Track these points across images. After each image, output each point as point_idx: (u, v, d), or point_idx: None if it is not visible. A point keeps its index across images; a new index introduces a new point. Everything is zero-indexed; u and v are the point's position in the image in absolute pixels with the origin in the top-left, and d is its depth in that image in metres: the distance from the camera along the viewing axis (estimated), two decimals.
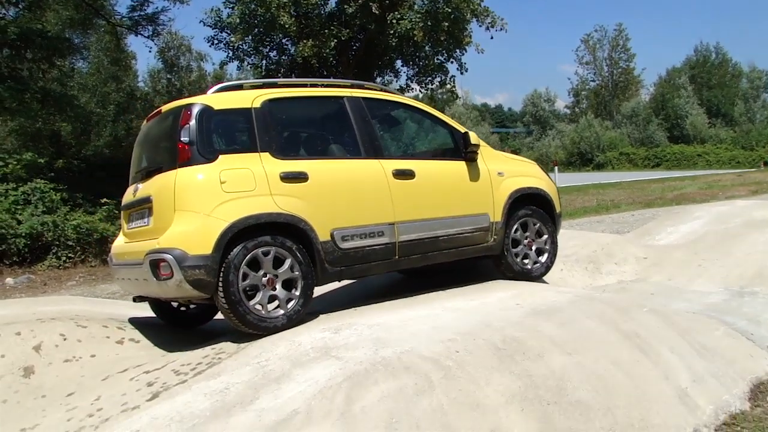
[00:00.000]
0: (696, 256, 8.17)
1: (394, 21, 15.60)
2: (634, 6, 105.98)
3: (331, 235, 4.80)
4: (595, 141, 59.19)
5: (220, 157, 4.57)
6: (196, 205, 4.39)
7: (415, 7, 16.20)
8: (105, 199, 14.12)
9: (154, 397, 3.79)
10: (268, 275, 4.52)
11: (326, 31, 15.98)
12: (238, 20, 15.99)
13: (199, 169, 4.49)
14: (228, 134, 5.00)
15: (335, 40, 15.94)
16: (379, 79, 20.58)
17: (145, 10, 17.13)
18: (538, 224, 6.17)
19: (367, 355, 3.76)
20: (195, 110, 4.63)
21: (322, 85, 5.75)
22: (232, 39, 16.55)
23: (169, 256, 4.24)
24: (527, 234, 6.11)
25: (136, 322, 5.51)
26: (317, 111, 5.71)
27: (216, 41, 17.35)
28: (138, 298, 5.32)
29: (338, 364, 3.69)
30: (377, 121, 5.63)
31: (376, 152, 5.27)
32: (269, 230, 4.53)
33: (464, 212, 5.64)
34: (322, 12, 16.93)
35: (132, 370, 4.39)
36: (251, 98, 4.90)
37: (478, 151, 5.77)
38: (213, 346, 4.55)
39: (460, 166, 5.73)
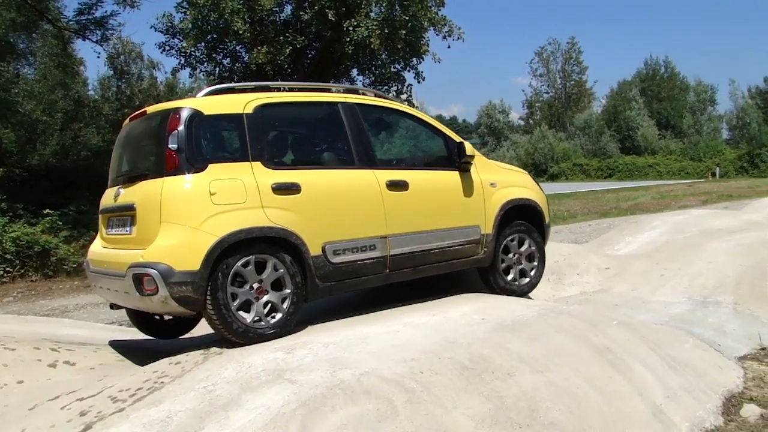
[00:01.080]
0: (657, 265, 8.10)
1: (351, 28, 15.34)
2: (587, 20, 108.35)
3: (323, 249, 4.59)
4: (549, 152, 60.05)
5: (210, 166, 4.29)
6: (184, 217, 4.14)
7: (372, 14, 15.99)
8: (48, 210, 13.42)
9: (86, 429, 3.39)
10: (257, 289, 4.31)
11: (281, 38, 15.62)
12: (190, 26, 15.50)
13: (187, 178, 4.21)
14: (218, 142, 4.75)
15: (290, 48, 15.59)
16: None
17: (93, 13, 16.46)
18: (528, 236, 6.05)
19: (324, 377, 3.44)
20: (184, 115, 4.33)
21: (315, 90, 5.52)
22: (184, 45, 16.04)
23: (154, 271, 4.00)
24: (517, 247, 6.00)
25: (74, 341, 5.08)
26: (310, 117, 5.41)
27: (168, 47, 16.84)
28: (115, 306, 5.04)
29: (292, 388, 3.36)
30: (371, 129, 5.40)
31: (370, 162, 5.06)
32: (259, 244, 4.31)
33: (456, 224, 5.47)
34: (277, 19, 16.60)
35: (64, 398, 3.97)
36: (243, 103, 4.62)
37: (472, 162, 5.61)
38: (155, 368, 4.16)
39: (454, 176, 5.54)
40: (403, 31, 15.72)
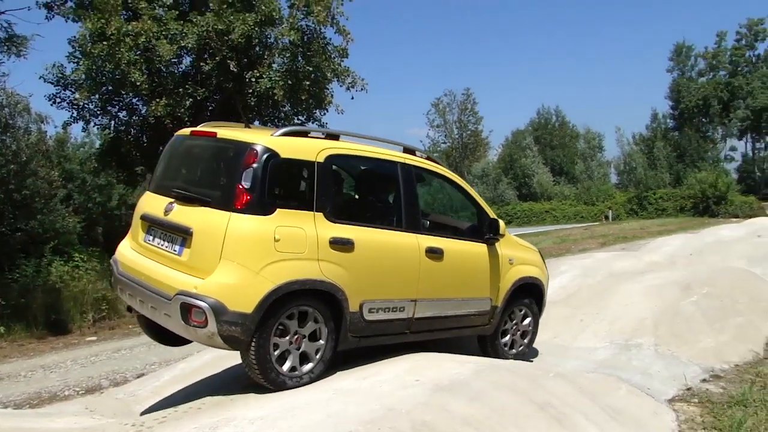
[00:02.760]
0: (576, 311, 8.11)
1: (253, 80, 15.00)
2: (480, 73, 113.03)
3: (360, 306, 4.63)
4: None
5: (278, 211, 4.27)
6: (247, 259, 4.11)
7: (275, 66, 15.75)
8: None
9: None
10: (296, 338, 4.35)
11: (181, 89, 15.05)
12: (83, 77, 14.64)
13: (256, 220, 4.18)
14: (289, 187, 4.66)
15: (191, 100, 15.04)
16: None
17: None
18: (529, 312, 6.34)
19: None
20: (262, 153, 4.26)
21: (378, 142, 5.47)
22: (77, 97, 15.13)
23: (206, 306, 3.97)
24: (518, 320, 6.26)
25: None
26: (372, 173, 5.49)
27: (58, 99, 15.80)
28: (134, 311, 4.87)
29: None
30: (419, 192, 5.42)
31: (415, 226, 5.15)
32: (307, 296, 4.34)
33: (474, 295, 5.66)
34: (176, 70, 16.04)
35: None
36: (316, 150, 4.59)
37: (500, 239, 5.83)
38: None
39: (482, 249, 5.73)
40: (307, 82, 15.53)
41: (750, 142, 70.03)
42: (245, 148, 4.33)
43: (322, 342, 4.46)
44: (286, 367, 4.31)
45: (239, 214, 4.14)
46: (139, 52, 14.25)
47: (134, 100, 16.43)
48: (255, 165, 4.21)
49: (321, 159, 4.55)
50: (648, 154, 59.42)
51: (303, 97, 15.82)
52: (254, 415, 3.65)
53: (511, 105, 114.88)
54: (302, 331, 4.36)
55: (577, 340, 7.19)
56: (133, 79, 14.00)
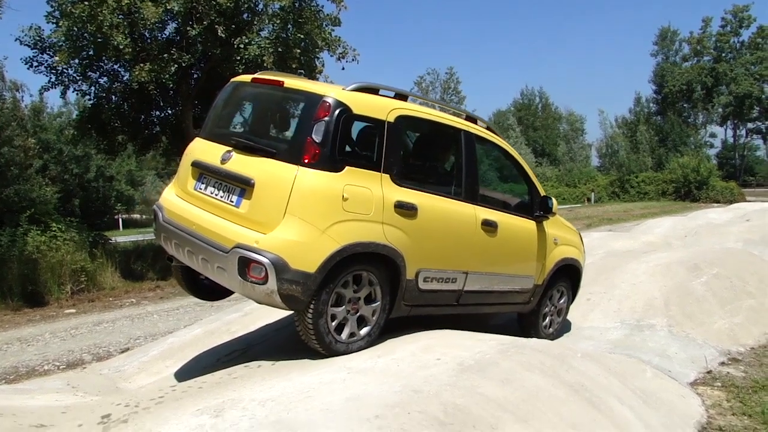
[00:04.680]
0: (582, 289, 7.78)
1: (242, 46, 14.40)
2: (464, 52, 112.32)
3: (416, 275, 4.50)
4: None
5: (347, 168, 4.07)
6: (313, 216, 3.91)
7: (264, 33, 15.16)
8: None
9: None
10: (354, 302, 4.22)
11: (165, 55, 14.42)
12: (63, 39, 13.93)
13: (325, 176, 3.96)
14: (359, 144, 4.50)
15: (175, 66, 14.41)
16: None
17: None
18: (567, 292, 6.39)
19: None
20: (334, 107, 4.05)
21: (443, 109, 5.29)
22: (57, 60, 14.39)
23: (268, 261, 3.76)
24: (555, 301, 6.26)
25: None
26: (437, 139, 5.24)
27: (36, 63, 15.06)
28: (175, 260, 4.67)
29: None
30: (480, 162, 5.30)
31: (473, 197, 5.01)
32: (369, 260, 4.18)
33: (519, 272, 5.58)
34: (161, 36, 15.37)
35: None
36: (387, 109, 4.38)
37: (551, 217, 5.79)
38: None
39: (531, 225, 5.69)
40: (298, 51, 15.00)
41: (731, 128, 70.48)
42: (317, 100, 4.10)
43: (378, 305, 4.33)
44: (345, 334, 4.19)
45: (308, 169, 3.91)
46: (122, 14, 13.59)
47: (116, 66, 15.77)
48: (327, 119, 3.99)
49: (391, 119, 4.36)
50: (631, 138, 59.54)
51: (293, 66, 15.24)
52: (263, 397, 3.26)
53: (495, 85, 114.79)
54: (359, 294, 4.23)
55: (588, 320, 6.89)
56: (115, 43, 13.35)
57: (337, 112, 4.03)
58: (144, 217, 38.83)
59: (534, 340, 4.98)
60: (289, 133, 4.33)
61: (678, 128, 61.09)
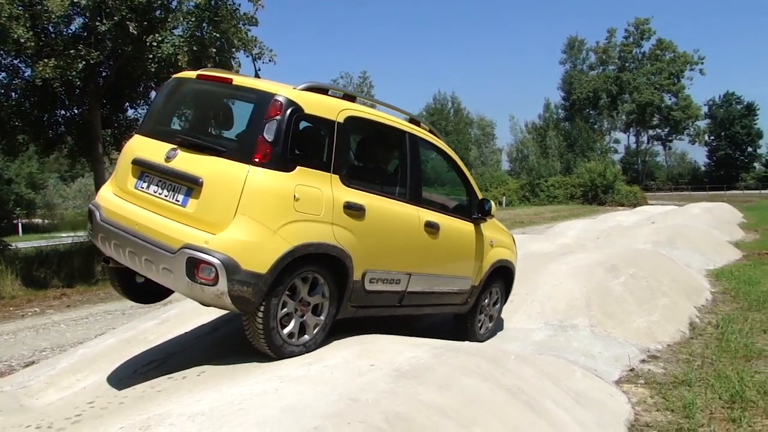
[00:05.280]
0: None
1: (155, 44, 13.84)
2: (378, 57, 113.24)
3: (362, 276, 4.49)
4: None
5: (298, 168, 4.04)
6: (265, 216, 3.85)
7: (178, 31, 14.64)
8: None
9: None
10: (303, 303, 4.18)
11: (72, 51, 13.67)
12: None
13: (277, 176, 3.92)
14: (309, 144, 4.36)
15: (83, 62, 13.67)
16: (131, 111, 18.44)
17: None
18: (500, 294, 6.49)
19: None
20: (286, 106, 4.00)
21: (388, 109, 5.37)
22: None
23: (218, 262, 3.67)
24: (490, 302, 6.34)
25: None
26: (383, 140, 5.24)
27: None
28: (112, 261, 4.49)
29: None
30: (423, 165, 5.35)
31: (417, 199, 5.07)
32: (319, 260, 4.15)
33: (458, 273, 5.65)
34: (66, 31, 14.54)
35: None
36: (337, 110, 4.39)
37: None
38: None
39: (470, 228, 5.77)
40: (213, 50, 14.56)
41: (634, 135, 74.10)
42: (268, 98, 4.04)
43: (326, 308, 4.32)
44: (286, 331, 4.11)
45: (259, 168, 3.86)
46: (22, 5, 12.78)
47: (16, 61, 14.82)
48: (278, 117, 3.95)
49: (341, 119, 4.36)
50: (540, 143, 61.52)
51: (209, 66, 14.78)
52: (193, 411, 3.04)
53: (408, 90, 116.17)
54: (308, 296, 4.20)
55: (512, 321, 6.95)
56: (16, 36, 12.53)
57: (288, 111, 3.99)
58: (46, 221, 36.95)
59: (467, 343, 4.95)
60: (235, 132, 4.26)
61: (585, 134, 63.65)
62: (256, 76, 4.85)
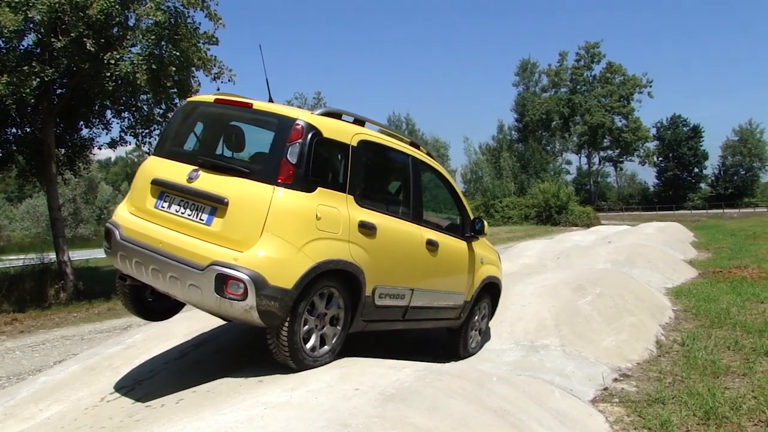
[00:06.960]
0: None
1: (113, 62, 13.55)
2: (333, 77, 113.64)
3: (373, 291, 4.73)
4: None
5: (318, 189, 4.29)
6: (291, 234, 4.06)
7: (137, 49, 14.37)
8: None
9: None
10: (321, 318, 4.39)
11: (26, 67, 13.27)
12: None
13: (301, 196, 4.16)
14: (328, 166, 4.60)
15: (38, 80, 13.29)
16: (86, 131, 18.01)
17: None
18: (488, 309, 6.86)
19: None
20: (307, 130, 4.25)
21: (396, 137, 5.62)
22: None
23: (248, 278, 3.84)
24: (480, 316, 6.66)
25: None
26: (390, 163, 5.56)
27: None
28: (128, 279, 4.64)
29: None
30: (423, 186, 5.65)
31: (419, 218, 5.40)
32: (337, 276, 4.38)
33: (453, 288, 5.97)
34: (19, 46, 14.09)
35: None
36: (351, 134, 4.68)
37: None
38: None
39: (464, 245, 6.12)
40: (173, 68, 14.33)
41: (586, 156, 75.73)
42: (290, 123, 4.27)
43: (341, 321, 4.54)
44: (308, 346, 4.31)
45: (284, 189, 4.07)
46: None
47: None
48: (300, 141, 4.18)
49: (354, 143, 4.64)
50: (494, 164, 62.29)
51: (168, 84, 14.58)
52: None
53: (363, 111, 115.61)
54: (326, 311, 4.41)
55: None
56: None
57: (309, 135, 4.22)
58: None
59: (448, 365, 4.92)
60: (254, 154, 4.50)
61: (538, 155, 64.78)
62: (270, 100, 4.85)
